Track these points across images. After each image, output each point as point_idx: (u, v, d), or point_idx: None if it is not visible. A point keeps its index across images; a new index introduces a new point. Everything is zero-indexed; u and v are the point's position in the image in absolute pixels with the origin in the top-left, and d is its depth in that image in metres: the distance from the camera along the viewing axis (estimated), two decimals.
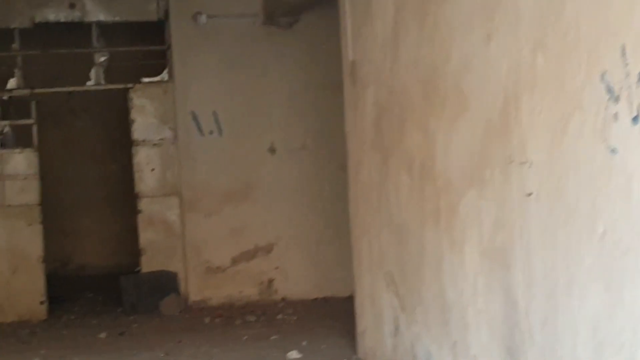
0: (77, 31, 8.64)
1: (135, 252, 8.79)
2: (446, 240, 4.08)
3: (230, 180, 8.56)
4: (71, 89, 8.90)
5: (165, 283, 8.45)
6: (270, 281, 8.60)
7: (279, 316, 7.72)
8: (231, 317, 7.82)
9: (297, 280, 8.62)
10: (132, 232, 8.80)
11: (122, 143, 9.02)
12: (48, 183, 10.69)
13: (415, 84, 4.41)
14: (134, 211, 8.61)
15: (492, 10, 3.47)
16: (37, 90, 8.39)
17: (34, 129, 8.29)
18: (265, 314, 7.88)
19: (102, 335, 7.24)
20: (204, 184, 8.54)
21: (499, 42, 3.43)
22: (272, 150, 8.57)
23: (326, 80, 8.23)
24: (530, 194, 3.19)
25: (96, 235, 11.44)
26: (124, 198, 9.90)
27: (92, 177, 11.30)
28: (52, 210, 10.91)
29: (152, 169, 8.55)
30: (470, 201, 3.77)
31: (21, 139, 8.42)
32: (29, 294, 8.13)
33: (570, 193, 2.92)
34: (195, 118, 8.44)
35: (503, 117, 3.40)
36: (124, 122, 8.88)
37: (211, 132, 8.48)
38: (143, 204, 8.55)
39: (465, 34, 3.74)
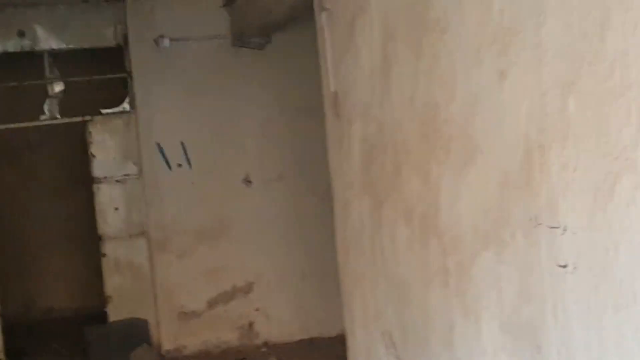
0: (28, 61, 8.09)
1: (103, 294, 8.23)
2: (457, 306, 3.59)
3: (203, 217, 8.09)
4: (23, 124, 8.34)
5: (136, 332, 7.93)
6: (251, 324, 8.14)
7: None
8: None
9: (279, 321, 8.17)
10: (100, 273, 8.25)
11: (83, 179, 8.48)
12: (6, 222, 10.32)
13: (411, 123, 3.92)
14: (99, 251, 8.08)
15: (505, 42, 2.99)
16: None
17: None
18: None
19: None
20: (174, 222, 8.05)
21: (515, 80, 2.95)
22: (247, 181, 8.10)
23: (302, 103, 7.89)
24: (565, 266, 2.71)
25: (61, 277, 10.89)
26: (90, 237, 9.32)
27: (54, 215, 10.78)
28: (12, 251, 10.49)
29: (116, 208, 8.07)
30: (486, 264, 3.29)
31: None
32: None
33: (621, 269, 2.44)
34: (161, 150, 7.96)
35: (525, 170, 2.92)
36: (85, 156, 8.35)
37: (179, 165, 8.02)
38: (107, 247, 8.06)
39: (472, 69, 3.26)
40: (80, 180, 9.88)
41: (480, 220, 3.31)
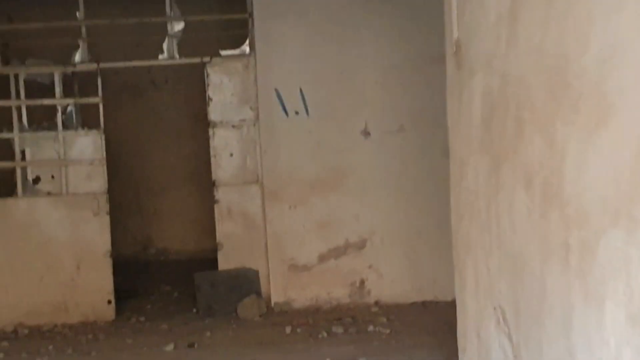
0: None
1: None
2: (578, 287, 3.15)
3: (318, 167, 7.80)
4: (139, 63, 8.21)
5: (245, 282, 7.77)
6: (362, 282, 7.82)
7: (370, 328, 6.90)
8: (316, 325, 7.06)
9: (392, 281, 7.83)
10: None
11: (204, 120, 8.35)
12: (127, 159, 10.39)
13: (537, 76, 3.47)
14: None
15: None
16: (104, 65, 7.72)
17: (101, 108, 7.65)
18: (355, 323, 7.09)
19: (169, 347, 6.58)
20: (289, 171, 7.81)
21: None
22: (366, 133, 7.74)
23: (427, 51, 7.51)
24: None
25: (178, 218, 10.94)
26: (208, 180, 9.37)
27: (174, 156, 10.80)
28: (132, 189, 10.57)
29: (231, 154, 7.86)
30: (613, 244, 2.85)
31: (87, 119, 7.81)
32: (94, 292, 7.57)
33: None
34: (279, 96, 7.69)
35: None
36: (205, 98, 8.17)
37: (297, 113, 7.72)
38: (220, 193, 7.89)
39: (611, 16, 2.78)
40: (201, 122, 9.83)
41: (610, 193, 2.86)
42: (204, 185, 9.56)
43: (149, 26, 8.24)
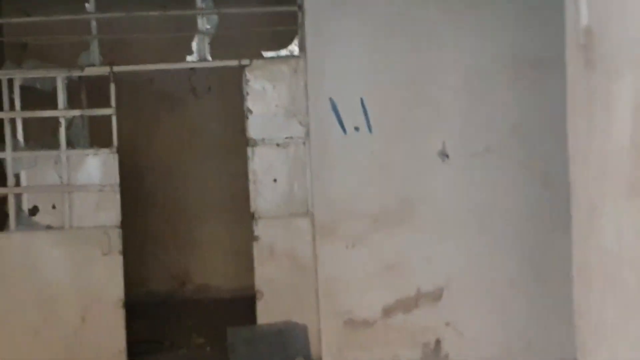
0: None
1: None
2: None
3: (382, 196, 6.63)
4: (164, 66, 7.05)
5: (290, 340, 6.65)
6: (438, 342, 6.67)
7: None
8: None
9: (476, 341, 6.67)
10: None
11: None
12: (164, 180, 9.44)
13: None
14: None
15: None
16: (119, 69, 6.56)
17: (114, 122, 6.51)
18: None
19: None
20: (346, 201, 6.65)
21: None
22: (443, 154, 6.57)
23: (524, 53, 6.34)
24: None
25: (220, 250, 9.87)
26: None
27: (216, 177, 9.75)
28: (166, 217, 9.62)
29: (274, 180, 6.72)
30: None
31: (98, 135, 6.67)
32: (103, 350, 6.44)
33: None
34: (334, 108, 6.60)
35: None
36: None
37: (356, 128, 6.61)
38: (261, 228, 6.77)
39: None
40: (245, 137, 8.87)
41: None
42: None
43: (180, 22, 7.06)
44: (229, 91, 9.33)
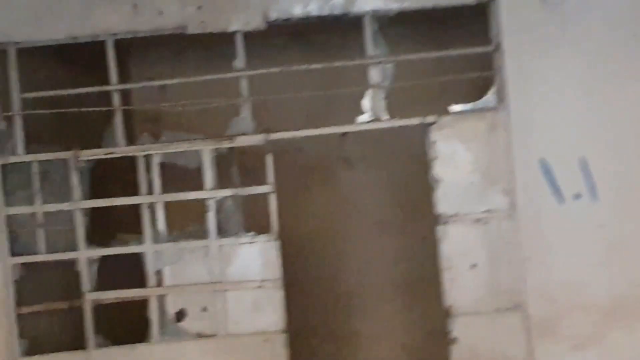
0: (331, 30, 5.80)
1: None
2: None
3: (617, 283, 5.48)
4: (331, 130, 5.88)
5: None
6: None
7: None
8: None
9: None
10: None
11: (422, 210, 6.17)
12: (310, 266, 8.47)
13: None
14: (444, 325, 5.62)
15: None
16: (275, 136, 5.48)
17: (274, 201, 5.41)
18: None
19: None
20: (568, 290, 5.51)
21: None
22: None
23: None
24: None
25: (386, 343, 8.78)
26: (422, 290, 7.77)
27: (379, 258, 8.71)
28: (318, 306, 8.55)
29: (473, 265, 5.54)
30: None
31: (252, 219, 5.58)
32: None
33: None
34: (547, 171, 5.49)
35: None
36: (423, 177, 5.90)
37: (577, 196, 5.49)
38: (459, 327, 5.52)
39: None
40: (415, 212, 7.92)
41: None
42: (418, 298, 7.90)
43: (341, 75, 5.98)
44: (386, 158, 8.37)
